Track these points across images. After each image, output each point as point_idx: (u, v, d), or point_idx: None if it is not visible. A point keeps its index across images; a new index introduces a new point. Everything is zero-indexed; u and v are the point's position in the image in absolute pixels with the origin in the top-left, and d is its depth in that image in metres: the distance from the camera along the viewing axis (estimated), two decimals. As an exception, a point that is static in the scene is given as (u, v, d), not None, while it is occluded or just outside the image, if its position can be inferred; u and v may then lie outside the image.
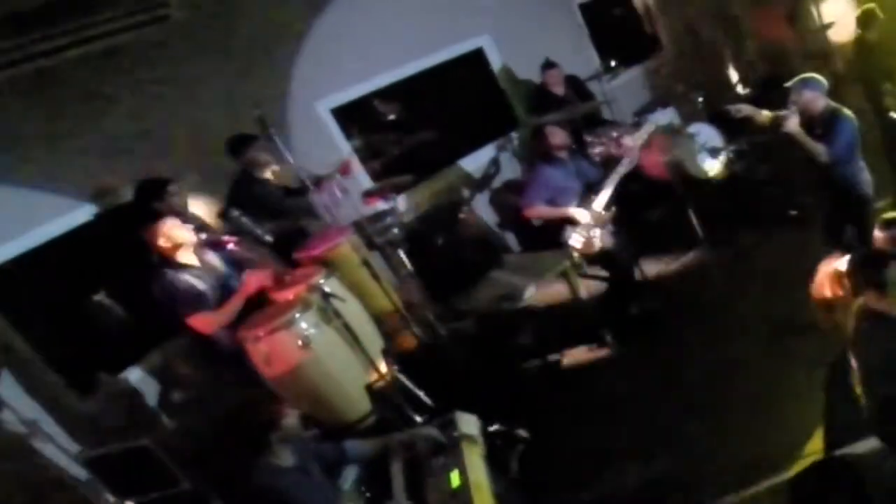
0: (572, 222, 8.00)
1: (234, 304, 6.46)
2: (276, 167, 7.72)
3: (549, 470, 6.45)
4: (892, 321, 4.57)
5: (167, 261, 6.31)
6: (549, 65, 10.16)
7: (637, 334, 8.02)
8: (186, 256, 6.41)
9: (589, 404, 7.26)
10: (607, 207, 8.07)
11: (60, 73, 6.99)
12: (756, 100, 10.57)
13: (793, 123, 6.73)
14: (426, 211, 9.74)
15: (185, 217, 6.79)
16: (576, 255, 8.06)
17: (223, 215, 7.12)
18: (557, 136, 8.10)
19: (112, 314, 7.25)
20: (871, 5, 9.22)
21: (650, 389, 7.16)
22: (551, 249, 8.36)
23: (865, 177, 7.07)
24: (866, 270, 4.70)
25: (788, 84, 6.97)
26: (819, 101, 6.78)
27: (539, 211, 8.16)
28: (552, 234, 8.25)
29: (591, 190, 8.17)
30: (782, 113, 6.94)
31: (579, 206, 8.04)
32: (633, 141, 8.47)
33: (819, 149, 6.72)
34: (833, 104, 6.86)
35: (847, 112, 6.85)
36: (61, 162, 7.17)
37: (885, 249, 5.12)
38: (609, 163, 8.79)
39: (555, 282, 8.49)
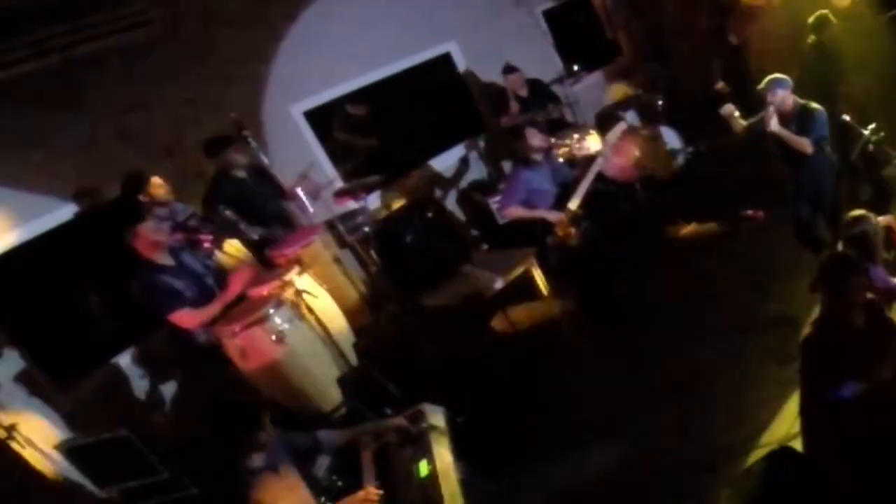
0: (547, 223, 8.08)
1: (218, 305, 6.53)
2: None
3: (512, 454, 6.49)
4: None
5: (146, 261, 6.36)
6: (510, 69, 10.15)
7: (606, 323, 8.06)
8: (164, 257, 6.46)
9: (554, 392, 7.25)
10: (582, 205, 8.13)
11: (43, 77, 7.02)
12: (712, 103, 10.78)
13: (774, 123, 6.87)
14: (396, 209, 9.75)
15: (172, 208, 6.95)
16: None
17: (210, 215, 7.17)
18: (536, 138, 8.18)
19: (94, 310, 7.27)
20: (825, 11, 9.24)
21: (614, 378, 7.18)
22: (517, 247, 8.48)
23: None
24: (832, 275, 4.72)
25: (761, 86, 7.09)
26: (789, 99, 6.93)
27: (516, 212, 8.24)
28: (519, 233, 8.37)
29: (565, 190, 8.26)
30: (760, 115, 7.10)
31: (554, 207, 8.14)
32: (606, 141, 8.60)
33: (803, 142, 6.88)
34: (801, 100, 7.03)
35: (815, 105, 7.04)
36: (42, 162, 7.18)
37: (851, 257, 5.11)
38: (573, 164, 8.91)
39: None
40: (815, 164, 7.21)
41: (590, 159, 8.54)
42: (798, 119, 6.98)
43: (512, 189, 8.26)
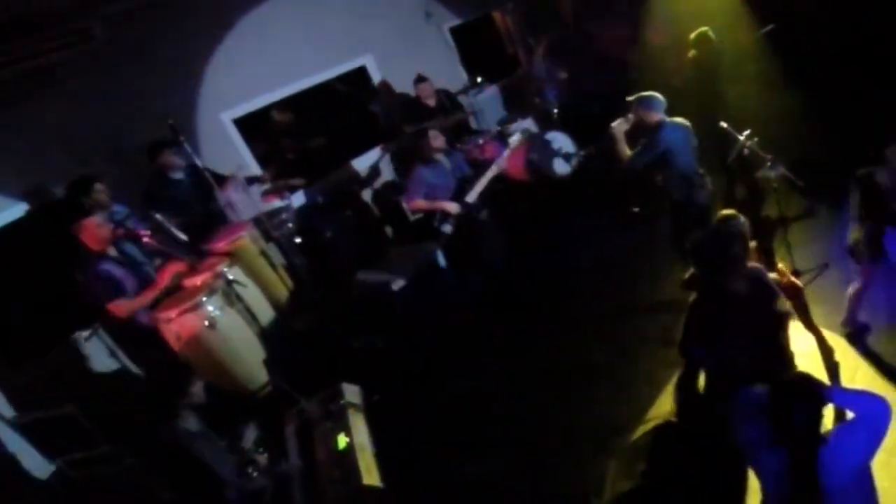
0: (445, 213, 8.29)
1: (148, 296, 6.65)
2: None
3: (420, 427, 6.59)
4: None
5: (90, 253, 6.44)
6: (420, 79, 10.17)
7: (503, 309, 8.17)
8: (108, 248, 6.56)
9: (457, 373, 7.29)
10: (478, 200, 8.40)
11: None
12: (601, 111, 10.87)
13: (617, 124, 6.82)
14: (317, 207, 9.83)
15: (109, 210, 6.94)
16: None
17: (147, 216, 7.17)
18: (438, 140, 8.37)
19: (44, 297, 7.23)
20: (705, 28, 9.30)
21: (512, 360, 7.25)
22: (424, 241, 8.61)
23: (690, 183, 6.96)
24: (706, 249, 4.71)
25: (630, 98, 6.95)
26: (653, 117, 6.71)
27: (418, 204, 8.42)
28: (424, 227, 8.59)
29: (463, 186, 8.48)
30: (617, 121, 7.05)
31: (453, 199, 8.34)
32: (509, 143, 8.90)
33: (624, 154, 6.80)
34: (667, 120, 6.78)
35: (673, 127, 6.80)
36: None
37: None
38: (476, 166, 9.06)
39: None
40: (670, 174, 7.08)
41: (489, 161, 8.79)
42: (648, 135, 6.78)
43: (414, 185, 8.42)
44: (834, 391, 3.76)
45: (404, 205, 8.81)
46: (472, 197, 8.38)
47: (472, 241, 8.49)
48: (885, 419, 3.49)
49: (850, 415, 3.68)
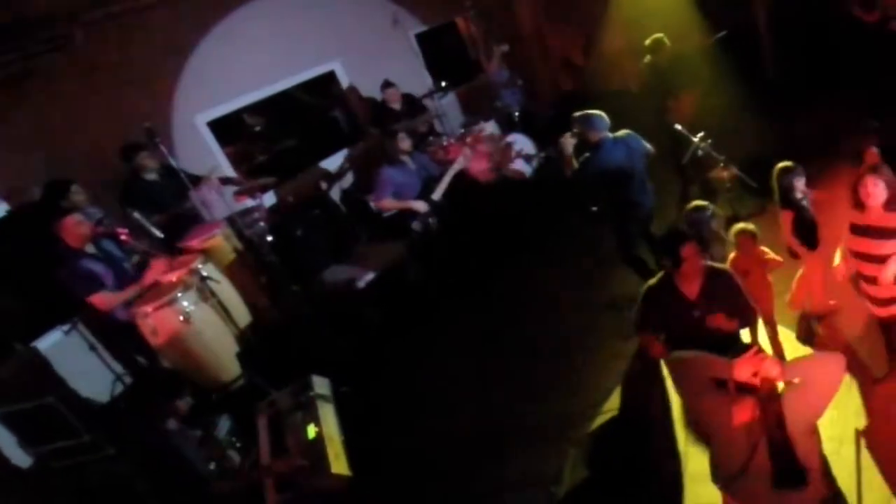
0: (413, 212, 8.39)
1: (132, 291, 6.72)
2: None
3: (386, 416, 6.71)
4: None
5: (70, 250, 6.51)
6: (387, 84, 10.27)
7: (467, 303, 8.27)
8: (87, 245, 6.62)
9: (415, 366, 7.43)
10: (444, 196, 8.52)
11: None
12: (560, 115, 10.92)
13: (564, 138, 6.76)
14: (288, 207, 9.87)
15: (85, 212, 6.93)
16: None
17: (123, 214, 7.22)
18: (405, 142, 8.48)
19: (25, 292, 7.22)
20: (660, 35, 9.38)
21: (476, 352, 7.33)
22: (393, 239, 8.78)
23: (629, 196, 6.93)
24: (665, 247, 4.69)
25: (576, 114, 6.90)
26: (594, 136, 6.69)
27: (386, 203, 8.48)
28: (392, 225, 8.67)
29: (429, 185, 8.57)
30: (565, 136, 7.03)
31: (419, 198, 8.43)
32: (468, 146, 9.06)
33: (569, 167, 6.79)
34: (608, 137, 6.74)
35: (614, 144, 6.75)
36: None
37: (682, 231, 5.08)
38: (441, 164, 9.18)
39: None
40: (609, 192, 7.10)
41: (452, 161, 8.91)
42: (591, 150, 6.76)
43: (382, 185, 8.49)
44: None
45: (372, 204, 8.86)
46: (437, 195, 8.48)
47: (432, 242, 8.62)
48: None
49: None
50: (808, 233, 5.68)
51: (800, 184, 5.59)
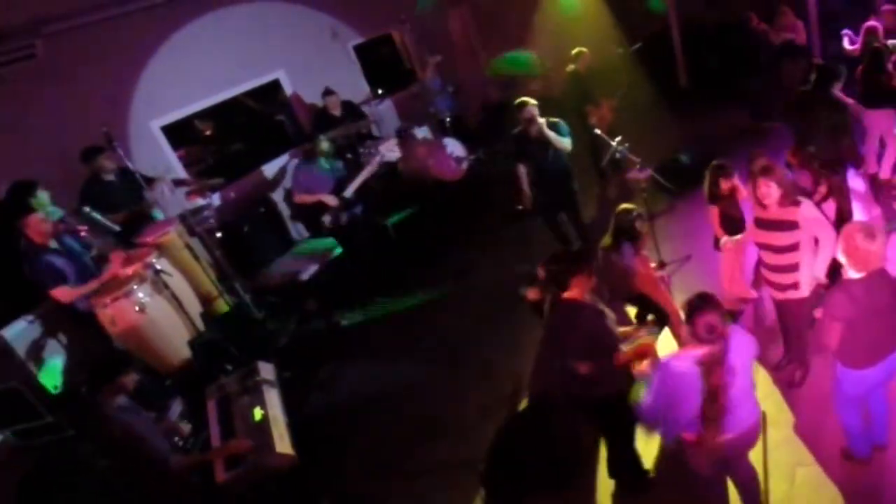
0: (325, 206, 8.68)
1: (93, 285, 6.81)
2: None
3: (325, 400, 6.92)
4: (586, 307, 4.50)
5: (34, 245, 6.59)
6: (327, 92, 10.37)
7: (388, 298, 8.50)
8: (49, 241, 6.69)
9: (357, 355, 7.62)
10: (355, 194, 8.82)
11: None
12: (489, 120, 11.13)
13: (520, 170, 7.51)
14: (235, 205, 9.97)
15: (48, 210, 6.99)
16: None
17: (77, 211, 7.26)
18: (324, 144, 8.82)
19: None
20: (582, 48, 9.69)
21: (400, 350, 7.54)
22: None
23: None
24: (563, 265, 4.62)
25: (515, 102, 7.38)
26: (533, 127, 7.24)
27: (302, 198, 8.83)
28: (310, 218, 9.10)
29: (342, 183, 8.85)
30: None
31: (331, 193, 8.73)
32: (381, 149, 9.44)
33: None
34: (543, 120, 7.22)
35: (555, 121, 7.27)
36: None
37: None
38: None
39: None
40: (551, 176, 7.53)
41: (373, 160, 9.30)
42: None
43: (297, 180, 8.82)
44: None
45: (294, 199, 9.13)
46: (349, 192, 8.78)
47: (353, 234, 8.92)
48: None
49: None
50: (732, 225, 6.00)
51: (726, 183, 5.91)
